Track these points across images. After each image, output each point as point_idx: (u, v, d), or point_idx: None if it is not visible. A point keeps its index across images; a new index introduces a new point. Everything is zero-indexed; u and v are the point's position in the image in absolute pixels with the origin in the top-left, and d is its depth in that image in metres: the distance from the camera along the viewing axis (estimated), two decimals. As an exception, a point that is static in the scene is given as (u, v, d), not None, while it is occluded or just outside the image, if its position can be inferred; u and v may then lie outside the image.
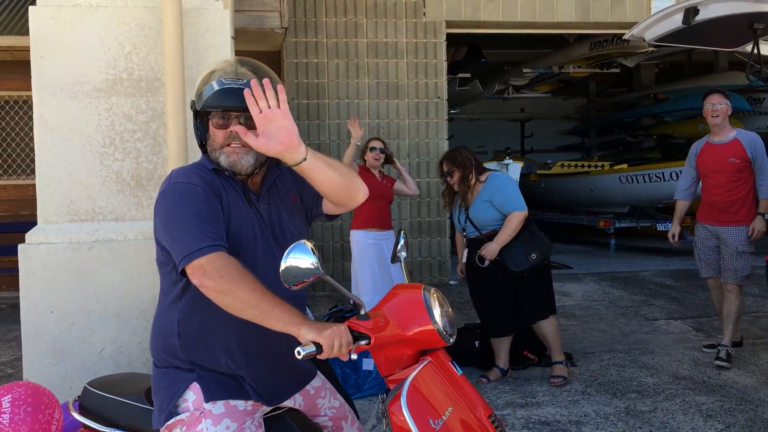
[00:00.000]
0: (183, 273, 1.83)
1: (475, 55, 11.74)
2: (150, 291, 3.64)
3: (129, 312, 3.63)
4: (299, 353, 1.70)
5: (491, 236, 4.67)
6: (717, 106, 5.06)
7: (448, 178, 4.82)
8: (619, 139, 17.03)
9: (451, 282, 8.70)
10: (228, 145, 1.94)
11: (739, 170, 5.01)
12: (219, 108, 1.92)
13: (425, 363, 1.97)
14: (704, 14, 3.46)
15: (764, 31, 3.61)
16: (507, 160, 9.91)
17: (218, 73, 1.94)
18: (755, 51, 3.65)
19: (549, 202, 13.65)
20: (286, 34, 8.00)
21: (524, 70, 12.91)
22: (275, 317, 1.75)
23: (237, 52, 6.20)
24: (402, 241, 2.44)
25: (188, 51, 3.67)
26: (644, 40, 4.10)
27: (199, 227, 1.83)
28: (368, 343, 1.84)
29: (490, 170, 4.89)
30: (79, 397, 2.33)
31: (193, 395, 1.96)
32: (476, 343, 5.11)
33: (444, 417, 1.89)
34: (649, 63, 14.37)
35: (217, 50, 3.75)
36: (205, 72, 2.00)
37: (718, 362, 5.08)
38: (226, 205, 1.96)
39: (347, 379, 4.59)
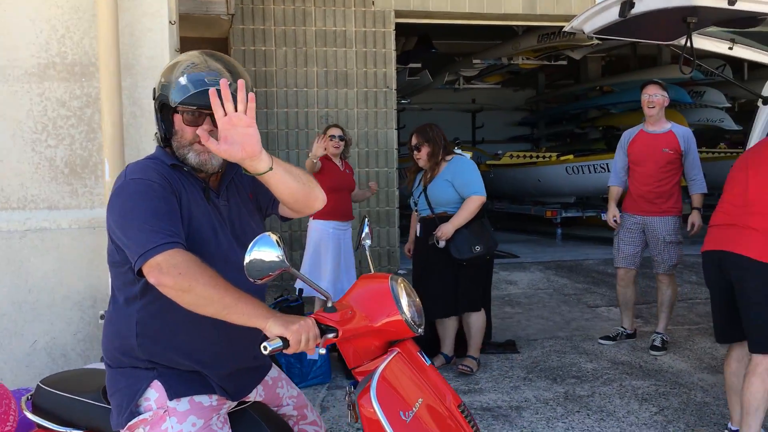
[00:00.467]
0: (140, 273, 1.76)
1: (425, 46, 11.77)
2: (85, 281, 3.56)
3: (63, 303, 3.55)
4: (265, 348, 1.65)
5: (442, 218, 4.67)
6: (654, 97, 5.18)
7: (415, 152, 4.79)
8: (567, 131, 17.32)
9: (400, 271, 8.73)
10: (198, 142, 1.88)
11: (671, 161, 5.14)
12: (195, 106, 1.85)
13: (394, 354, 1.94)
14: (639, 8, 3.52)
15: (697, 25, 3.69)
16: (456, 150, 9.97)
17: (191, 68, 1.86)
18: (688, 44, 3.74)
19: (498, 192, 13.80)
20: (232, 20, 7.88)
21: (474, 61, 13.00)
22: (239, 311, 1.71)
23: (182, 39, 6.09)
24: (366, 229, 2.40)
25: (124, 35, 3.59)
26: (583, 33, 4.16)
27: (156, 225, 1.76)
28: (336, 336, 1.80)
29: (456, 153, 4.90)
30: (31, 395, 2.25)
31: (155, 393, 1.90)
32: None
33: (414, 409, 1.86)
34: (596, 56, 14.62)
35: (155, 35, 3.67)
36: (171, 63, 1.93)
37: (652, 351, 5.22)
38: (186, 202, 1.90)
39: (292, 368, 4.58)
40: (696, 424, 3.95)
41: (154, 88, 1.93)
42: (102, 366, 2.47)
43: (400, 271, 8.72)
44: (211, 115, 1.81)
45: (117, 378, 1.95)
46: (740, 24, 3.79)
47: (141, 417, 1.89)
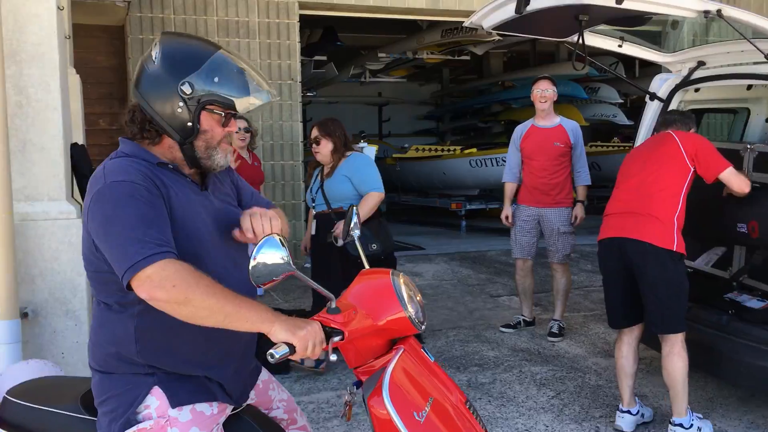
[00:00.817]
0: (128, 286, 1.65)
1: (331, 38, 11.74)
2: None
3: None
4: (272, 356, 1.60)
5: (338, 213, 4.64)
6: (546, 92, 5.36)
7: (314, 145, 4.72)
8: (471, 125, 17.67)
9: (307, 265, 8.68)
10: (223, 142, 1.88)
11: (562, 154, 5.35)
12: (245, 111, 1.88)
13: (400, 352, 1.86)
14: (534, 5, 3.63)
15: (588, 23, 3.85)
16: (362, 144, 10.00)
17: (253, 77, 1.88)
18: (580, 42, 3.89)
19: (405, 185, 13.95)
20: (129, 8, 7.60)
21: (379, 55, 13.08)
22: (243, 318, 1.65)
23: (75, 26, 5.81)
24: (355, 218, 2.26)
25: (7, 21, 3.39)
26: (482, 28, 4.25)
27: (143, 233, 1.65)
28: (342, 339, 1.75)
29: (354, 149, 4.87)
30: None
31: (155, 401, 1.80)
32: None
33: (426, 408, 1.80)
34: (498, 51, 14.98)
35: (41, 21, 3.49)
36: (211, 57, 1.85)
37: (550, 338, 5.43)
38: (177, 200, 1.81)
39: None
40: (590, 407, 4.13)
41: (189, 83, 1.80)
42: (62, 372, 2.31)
43: (306, 265, 8.66)
44: (235, 116, 1.89)
45: (111, 384, 1.83)
46: (628, 22, 3.98)
47: (140, 426, 1.79)
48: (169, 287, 1.60)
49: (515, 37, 9.56)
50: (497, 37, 10.35)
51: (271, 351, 1.61)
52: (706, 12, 3.36)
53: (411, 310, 1.88)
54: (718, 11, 3.33)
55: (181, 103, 1.81)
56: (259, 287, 1.69)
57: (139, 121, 1.87)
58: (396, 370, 1.81)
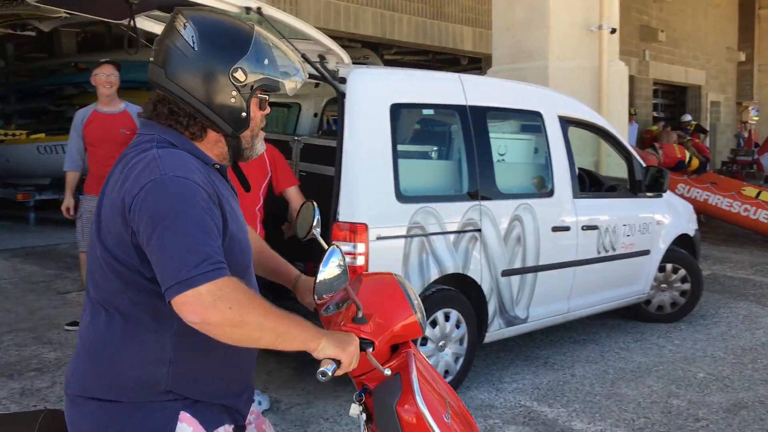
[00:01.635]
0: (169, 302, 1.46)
1: None
2: None
3: None
4: (324, 375, 1.53)
5: None
6: (111, 77, 5.19)
7: None
8: (42, 107, 16.16)
9: None
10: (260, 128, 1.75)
11: (128, 141, 5.24)
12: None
13: (412, 355, 1.76)
14: (81, -19, 3.41)
15: (140, 7, 3.76)
16: None
17: (286, 53, 1.73)
18: (132, 24, 3.78)
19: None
20: None
21: None
22: (292, 337, 1.54)
23: None
24: (317, 215, 2.04)
25: None
26: (32, 2, 3.85)
27: (203, 243, 1.46)
28: (373, 350, 1.66)
29: None
30: None
31: (187, 427, 1.61)
32: None
33: (449, 410, 1.74)
34: (70, 30, 13.98)
35: None
36: (279, 43, 1.71)
37: None
38: (228, 208, 1.63)
39: None
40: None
41: (242, 68, 1.61)
42: None
43: None
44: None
45: (122, 414, 1.57)
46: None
47: None
48: (224, 309, 1.44)
49: (86, 17, 8.97)
50: (64, 14, 9.60)
51: (322, 369, 1.54)
52: (248, 8, 3.55)
53: (419, 313, 1.83)
54: (258, 9, 3.53)
55: (234, 92, 1.63)
56: (316, 303, 1.63)
57: (186, 114, 1.64)
58: (418, 374, 1.75)
